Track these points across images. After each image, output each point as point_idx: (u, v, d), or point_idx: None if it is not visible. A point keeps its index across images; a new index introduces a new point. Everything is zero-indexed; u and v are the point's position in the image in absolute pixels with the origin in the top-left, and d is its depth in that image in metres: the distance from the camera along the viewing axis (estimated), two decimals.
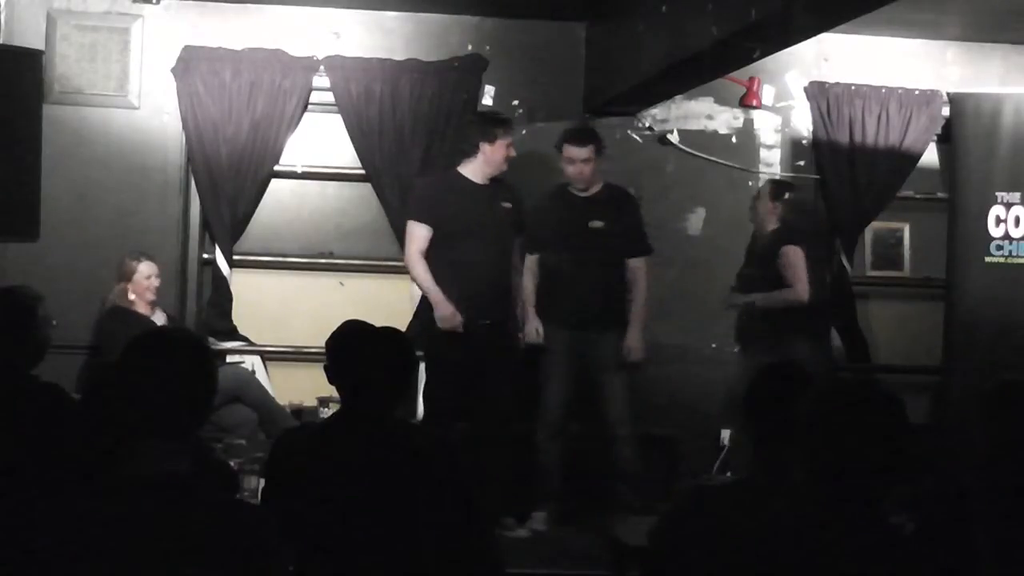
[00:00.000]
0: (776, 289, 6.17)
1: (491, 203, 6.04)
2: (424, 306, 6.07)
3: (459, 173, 6.08)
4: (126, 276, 6.30)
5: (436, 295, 5.90)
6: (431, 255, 5.96)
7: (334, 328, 3.35)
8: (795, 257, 6.15)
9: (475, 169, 6.05)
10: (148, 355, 2.46)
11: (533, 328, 6.12)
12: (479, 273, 5.94)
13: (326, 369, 3.29)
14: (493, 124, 6.08)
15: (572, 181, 6.15)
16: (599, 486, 6.13)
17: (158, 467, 2.35)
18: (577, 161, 6.09)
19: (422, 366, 5.96)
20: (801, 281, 6.13)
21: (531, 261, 6.19)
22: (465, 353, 5.91)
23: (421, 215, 6.00)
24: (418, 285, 6.05)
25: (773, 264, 6.17)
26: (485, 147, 6.02)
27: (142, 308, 6.28)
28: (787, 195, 6.22)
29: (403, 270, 6.39)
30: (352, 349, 3.28)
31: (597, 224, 6.11)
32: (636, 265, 6.18)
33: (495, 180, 6.09)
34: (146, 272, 6.30)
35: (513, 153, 6.03)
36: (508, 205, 6.10)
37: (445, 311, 5.88)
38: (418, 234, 5.98)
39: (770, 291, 6.17)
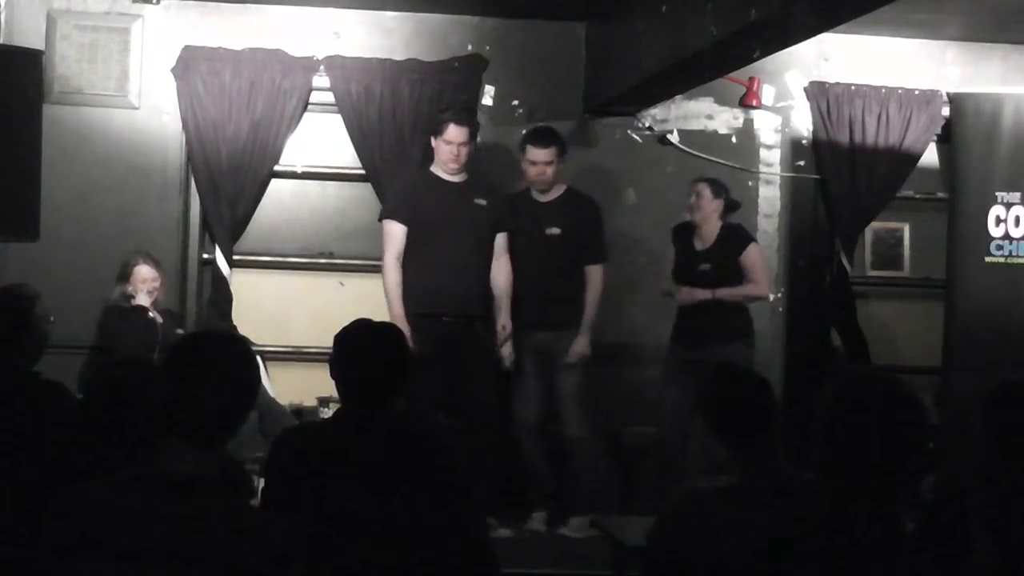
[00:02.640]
0: (735, 285, 6.14)
1: (463, 199, 6.03)
2: None
3: (430, 171, 6.12)
4: (125, 276, 6.30)
5: (397, 312, 5.87)
6: (406, 252, 5.96)
7: (334, 328, 3.36)
8: (759, 254, 6.24)
9: (438, 166, 6.07)
10: (198, 360, 2.46)
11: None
12: (452, 268, 5.93)
13: (329, 363, 3.30)
14: (440, 118, 6.12)
15: (533, 183, 6.20)
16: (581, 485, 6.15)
17: (184, 468, 2.35)
18: (539, 163, 6.15)
19: None
20: (765, 278, 6.25)
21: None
22: (438, 349, 5.85)
23: (396, 213, 6.02)
24: (385, 294, 5.98)
25: (734, 260, 6.14)
26: (432, 141, 6.08)
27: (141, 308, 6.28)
28: (724, 195, 6.22)
29: None
30: (354, 344, 3.28)
31: (553, 231, 6.14)
32: (591, 271, 6.18)
33: (470, 177, 6.10)
34: (141, 275, 6.28)
35: (455, 152, 5.96)
36: (483, 202, 6.08)
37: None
38: (394, 234, 5.99)
39: (732, 286, 6.13)
